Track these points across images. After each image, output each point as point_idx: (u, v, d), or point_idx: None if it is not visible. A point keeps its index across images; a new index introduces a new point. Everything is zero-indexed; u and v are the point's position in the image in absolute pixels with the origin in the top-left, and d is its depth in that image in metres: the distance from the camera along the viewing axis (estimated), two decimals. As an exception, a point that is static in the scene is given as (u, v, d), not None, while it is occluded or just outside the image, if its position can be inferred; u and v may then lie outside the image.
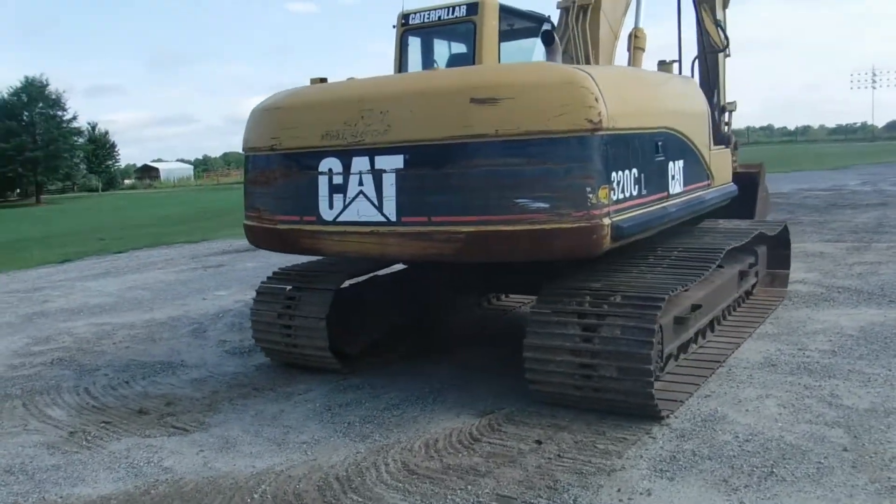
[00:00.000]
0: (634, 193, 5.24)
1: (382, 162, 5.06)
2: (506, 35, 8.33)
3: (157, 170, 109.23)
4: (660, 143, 5.69)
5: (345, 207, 5.26)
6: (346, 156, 5.22)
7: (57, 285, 12.68)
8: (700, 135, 6.65)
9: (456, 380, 6.17)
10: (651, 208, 5.51)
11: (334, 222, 5.33)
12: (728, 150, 7.89)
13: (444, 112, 4.86)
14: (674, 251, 6.23)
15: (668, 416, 5.06)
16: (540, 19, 7.92)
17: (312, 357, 6.45)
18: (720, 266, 7.30)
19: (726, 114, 12.42)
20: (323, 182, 5.35)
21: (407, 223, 5.02)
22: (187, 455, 4.93)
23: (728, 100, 12.82)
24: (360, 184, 5.16)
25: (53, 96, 61.45)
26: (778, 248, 8.77)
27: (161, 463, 4.81)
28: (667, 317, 5.64)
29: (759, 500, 3.92)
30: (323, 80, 5.97)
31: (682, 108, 6.30)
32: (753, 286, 8.20)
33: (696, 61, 7.36)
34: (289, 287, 6.60)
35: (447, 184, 4.90)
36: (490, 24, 7.34)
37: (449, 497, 4.14)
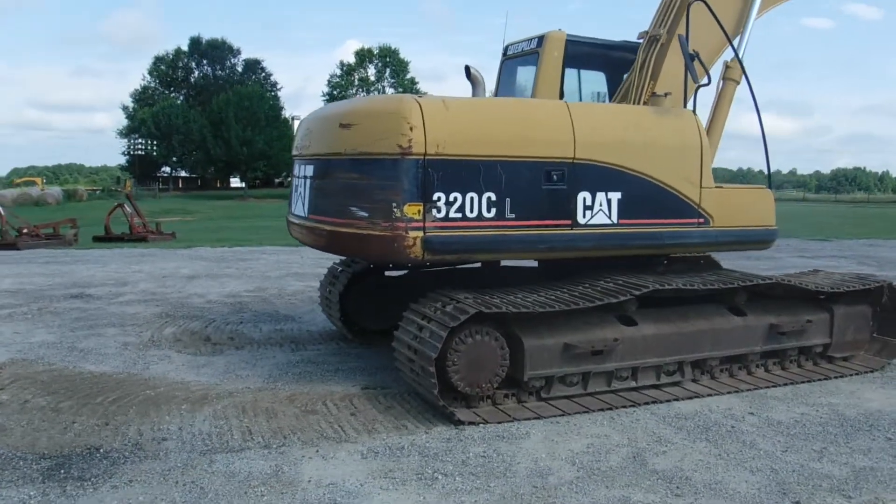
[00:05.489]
0: (488, 215, 5.64)
1: (307, 170, 6.44)
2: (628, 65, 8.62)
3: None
4: (556, 173, 5.83)
5: (296, 204, 6.75)
6: (299, 163, 6.72)
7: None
8: (671, 169, 6.30)
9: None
10: (520, 231, 5.76)
11: (294, 215, 6.86)
12: (765, 190, 6.90)
13: (327, 134, 6.04)
14: (599, 283, 6.20)
15: (473, 424, 5.42)
16: (633, 48, 8.02)
17: (336, 325, 8.02)
18: (743, 313, 6.67)
19: None
20: (294, 184, 6.92)
21: (311, 220, 6.32)
22: (172, 366, 7.02)
23: None
24: (302, 186, 6.61)
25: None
26: (902, 314, 7.21)
27: (148, 366, 7.00)
28: (547, 340, 5.82)
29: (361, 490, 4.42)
30: (339, 103, 7.44)
31: (626, 140, 6.12)
32: (826, 347, 7.00)
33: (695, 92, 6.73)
34: (339, 268, 8.26)
35: (324, 190, 6.08)
36: (551, 56, 7.90)
37: (222, 424, 5.43)
